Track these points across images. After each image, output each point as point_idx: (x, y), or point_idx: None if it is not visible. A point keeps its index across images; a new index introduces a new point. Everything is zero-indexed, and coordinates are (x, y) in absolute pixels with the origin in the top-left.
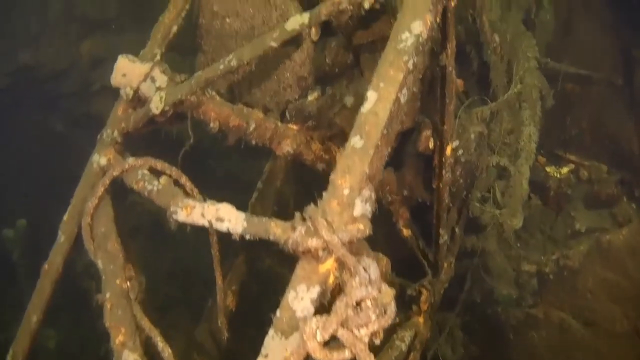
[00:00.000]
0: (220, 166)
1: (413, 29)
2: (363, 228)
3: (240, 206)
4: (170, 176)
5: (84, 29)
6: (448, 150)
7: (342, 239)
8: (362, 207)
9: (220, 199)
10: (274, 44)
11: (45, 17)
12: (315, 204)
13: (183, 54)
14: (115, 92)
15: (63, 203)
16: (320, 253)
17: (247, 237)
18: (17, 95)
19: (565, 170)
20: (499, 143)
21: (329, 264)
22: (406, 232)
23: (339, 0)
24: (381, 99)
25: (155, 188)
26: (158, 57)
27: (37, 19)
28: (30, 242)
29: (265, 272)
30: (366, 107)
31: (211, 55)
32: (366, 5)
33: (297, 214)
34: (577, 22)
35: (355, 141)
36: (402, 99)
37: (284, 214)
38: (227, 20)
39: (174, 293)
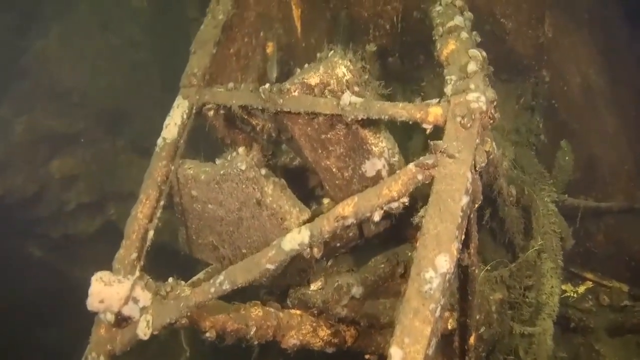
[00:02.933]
0: None
1: (438, 266)
2: None
3: None
4: None
5: (52, 147)
6: (472, 340)
7: None
8: None
9: None
10: (270, 267)
11: (8, 142)
12: None
13: None
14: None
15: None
16: None
17: None
18: None
19: (582, 288)
20: (519, 302)
21: None
22: None
23: (344, 214)
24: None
25: None
26: (137, 271)
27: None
28: None
29: None
30: None
31: (194, 232)
32: (376, 218)
33: None
34: (599, 157)
35: None
36: (431, 352)
37: None
38: (210, 206)
39: None
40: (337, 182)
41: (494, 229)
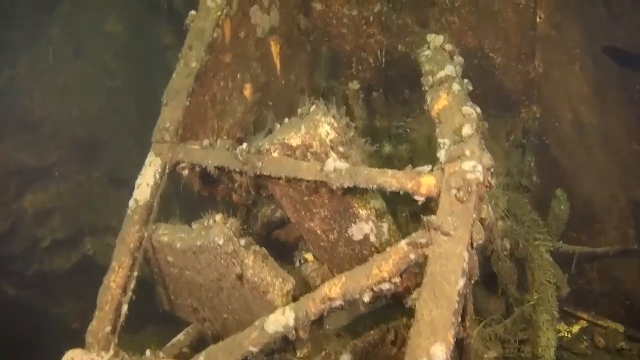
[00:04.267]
0: None
1: (434, 356)
2: None
3: None
4: None
5: (24, 181)
6: None
7: None
8: None
9: None
10: (253, 349)
11: None
12: None
13: None
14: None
15: None
16: None
17: None
18: None
19: (576, 328)
20: (515, 357)
21: None
22: None
23: (331, 296)
24: None
25: None
26: (112, 347)
27: None
28: None
29: None
30: None
31: (172, 292)
32: (366, 299)
33: None
34: (592, 194)
35: None
36: None
37: None
38: (187, 272)
39: None
40: (321, 244)
41: (486, 281)
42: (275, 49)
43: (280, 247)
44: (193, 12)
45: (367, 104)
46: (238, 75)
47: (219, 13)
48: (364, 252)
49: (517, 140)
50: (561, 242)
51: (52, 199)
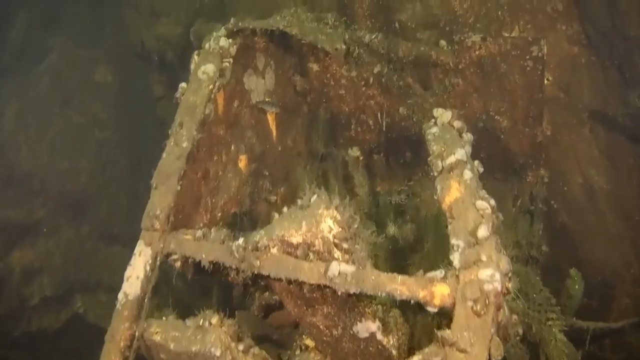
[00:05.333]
0: None
1: None
2: None
3: None
4: None
5: (11, 238)
6: None
7: None
8: None
9: None
10: None
11: None
12: None
13: None
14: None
15: None
16: None
17: None
18: None
19: None
20: None
21: None
22: None
23: None
24: None
25: None
26: None
27: None
28: None
29: None
30: None
31: None
32: None
33: None
34: (603, 260)
35: None
36: None
37: None
38: None
39: None
40: (325, 338)
41: None
42: (271, 114)
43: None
44: (183, 84)
45: (367, 168)
46: (232, 147)
47: (211, 87)
48: (370, 348)
49: (525, 206)
50: (574, 318)
51: (41, 256)
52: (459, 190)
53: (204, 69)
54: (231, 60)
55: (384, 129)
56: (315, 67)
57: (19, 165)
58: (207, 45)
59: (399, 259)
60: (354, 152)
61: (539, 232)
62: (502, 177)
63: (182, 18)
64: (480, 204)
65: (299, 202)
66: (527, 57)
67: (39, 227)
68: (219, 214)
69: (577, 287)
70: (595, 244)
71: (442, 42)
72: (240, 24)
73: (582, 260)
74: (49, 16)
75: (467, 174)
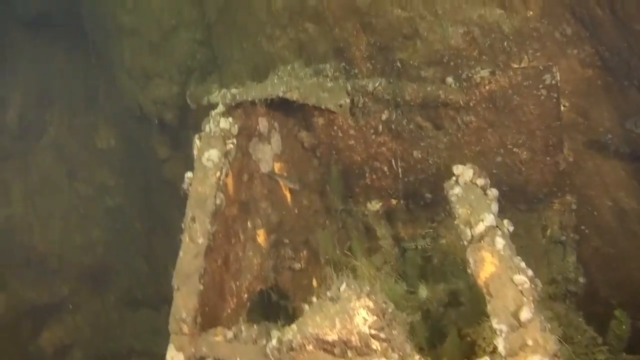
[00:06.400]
0: None
1: None
2: None
3: None
4: None
5: (38, 320)
6: None
7: None
8: None
9: None
10: None
11: None
12: None
13: None
14: None
15: None
16: None
17: None
18: None
19: None
20: None
21: None
22: None
23: None
24: None
25: None
26: None
27: None
28: None
29: None
30: None
31: None
32: None
33: None
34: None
35: None
36: None
37: None
38: None
39: None
40: None
41: None
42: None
43: None
44: (189, 174)
45: (387, 214)
46: (248, 224)
47: (218, 174)
48: None
49: (555, 236)
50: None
51: (70, 332)
52: (494, 264)
53: (208, 156)
54: (234, 141)
55: (400, 174)
56: (320, 120)
57: (34, 248)
58: (207, 128)
59: (433, 318)
60: (373, 206)
61: (574, 264)
62: (527, 207)
63: (176, 77)
64: (518, 278)
65: (328, 294)
66: (540, 86)
67: (63, 304)
68: (245, 295)
69: (623, 327)
70: (631, 265)
71: (449, 80)
72: (237, 96)
73: (620, 283)
74: (41, 92)
75: (499, 242)
